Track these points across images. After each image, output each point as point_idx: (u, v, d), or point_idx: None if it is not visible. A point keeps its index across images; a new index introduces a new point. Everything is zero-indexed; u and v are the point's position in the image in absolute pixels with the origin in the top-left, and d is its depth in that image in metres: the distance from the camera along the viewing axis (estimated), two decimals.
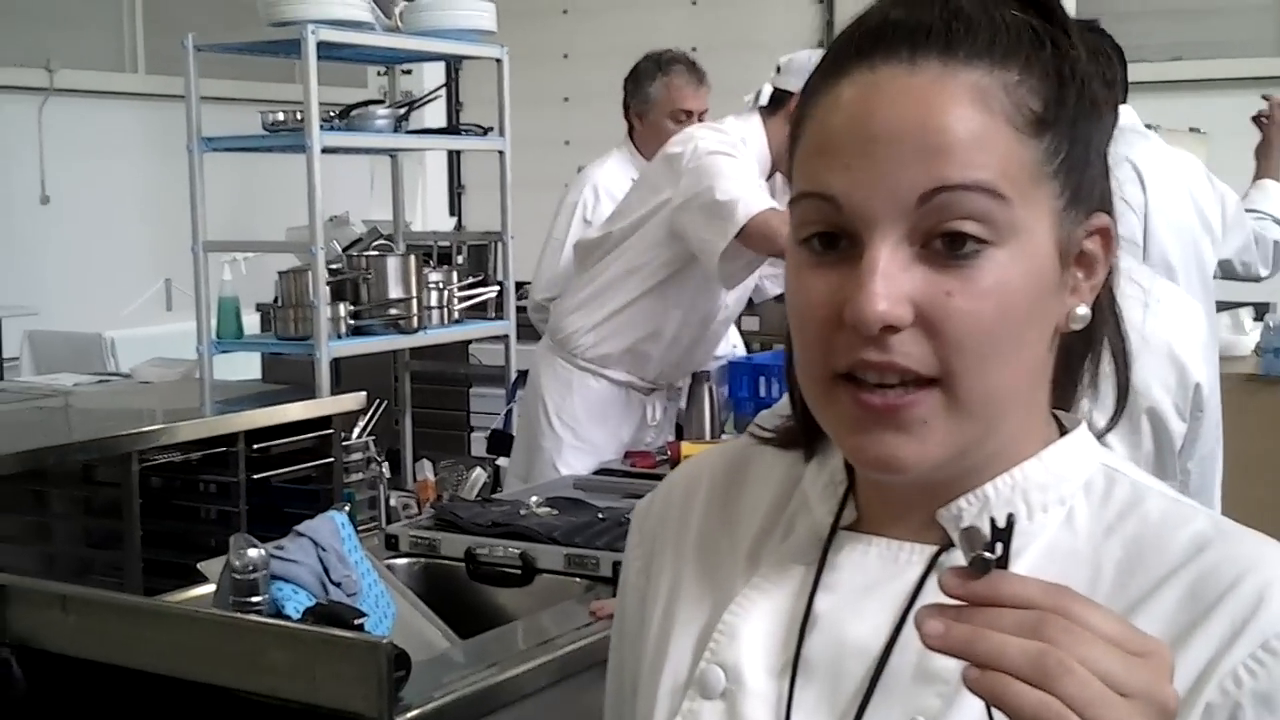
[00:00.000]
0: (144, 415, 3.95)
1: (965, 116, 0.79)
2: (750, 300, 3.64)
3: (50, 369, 5.15)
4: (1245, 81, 5.03)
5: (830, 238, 0.81)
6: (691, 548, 0.97)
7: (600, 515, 2.55)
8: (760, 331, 4.70)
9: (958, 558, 0.71)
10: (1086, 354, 0.90)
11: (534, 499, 2.66)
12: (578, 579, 2.35)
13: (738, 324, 3.97)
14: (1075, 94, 0.82)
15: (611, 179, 3.97)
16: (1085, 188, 0.83)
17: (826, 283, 0.81)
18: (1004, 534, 0.69)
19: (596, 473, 3.21)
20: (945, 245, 0.79)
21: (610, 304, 3.37)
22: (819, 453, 0.93)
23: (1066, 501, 0.86)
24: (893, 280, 0.78)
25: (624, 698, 1.01)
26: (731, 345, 3.91)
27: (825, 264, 0.82)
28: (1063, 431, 0.88)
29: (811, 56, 3.32)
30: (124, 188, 6.60)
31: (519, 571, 2.39)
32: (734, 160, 3.15)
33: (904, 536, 0.87)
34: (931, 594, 0.75)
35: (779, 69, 3.35)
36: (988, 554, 0.68)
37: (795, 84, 3.27)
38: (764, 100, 3.31)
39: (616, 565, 2.30)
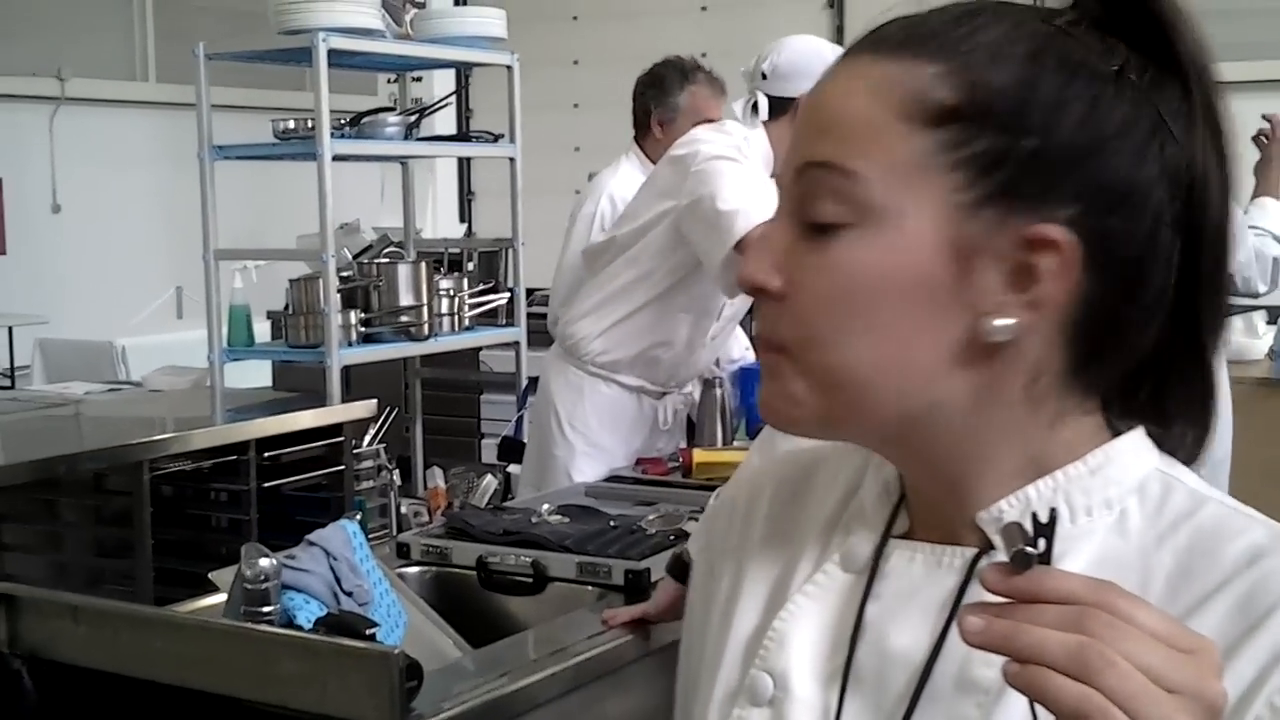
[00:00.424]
0: (155, 424, 3.95)
1: (851, 102, 0.82)
2: None
3: (61, 377, 5.16)
4: (1252, 85, 5.02)
5: None
6: (752, 553, 0.97)
7: (612, 523, 2.54)
8: None
9: (998, 559, 0.70)
10: (1155, 377, 0.85)
11: (545, 507, 2.65)
12: (590, 587, 2.34)
13: (746, 328, 3.96)
14: (1054, 101, 0.79)
15: (625, 187, 3.96)
16: (1026, 190, 0.79)
17: None
18: (1046, 529, 0.68)
19: (608, 480, 3.20)
20: (814, 222, 0.82)
21: (619, 310, 3.36)
22: (876, 459, 0.93)
23: (1115, 506, 0.84)
24: (765, 250, 0.84)
25: (688, 700, 1.01)
26: (744, 348, 3.90)
27: None
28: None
29: (794, 54, 3.25)
30: (135, 196, 6.61)
31: (531, 580, 2.38)
32: (738, 165, 3.13)
33: (945, 540, 0.87)
34: (973, 598, 0.75)
35: (763, 76, 3.26)
36: (1030, 549, 0.67)
37: (793, 87, 3.19)
38: (763, 115, 3.21)
39: (628, 574, 2.29)
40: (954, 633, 0.79)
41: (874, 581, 0.88)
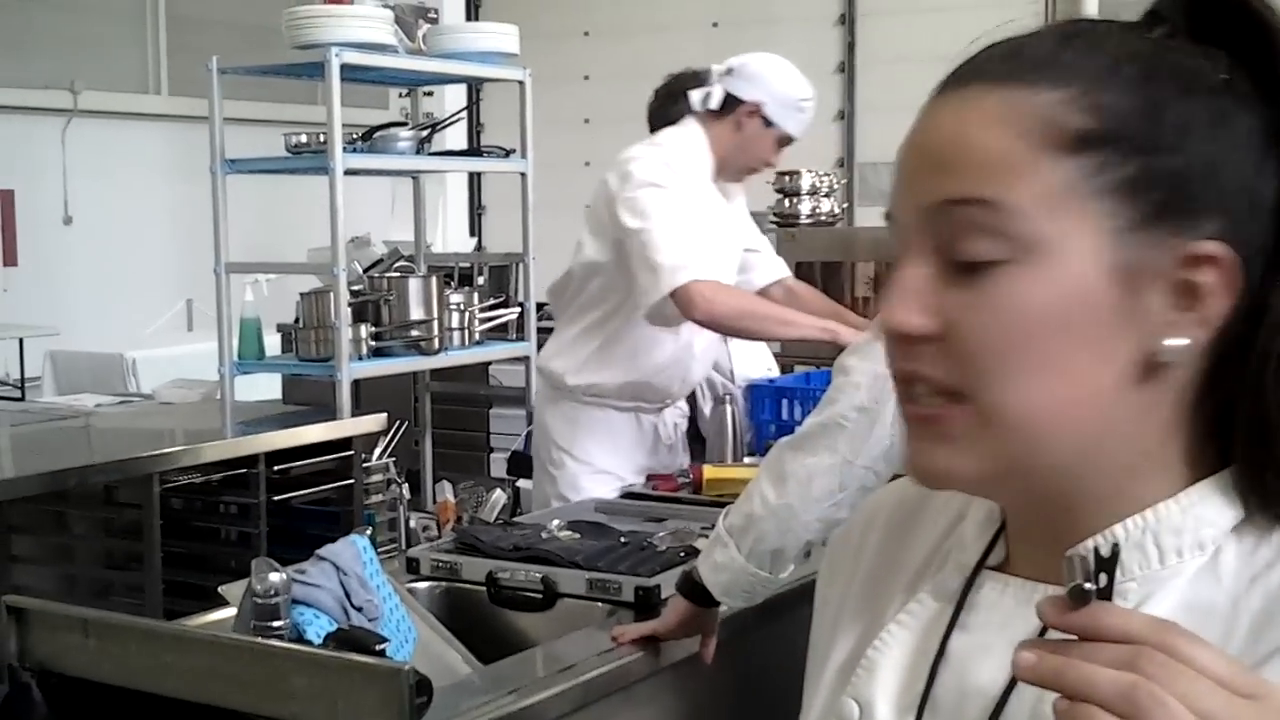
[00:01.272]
0: (165, 436, 3.95)
1: (983, 134, 0.79)
2: None
3: (72, 389, 5.17)
4: None
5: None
6: (860, 580, 0.97)
7: (622, 539, 2.54)
8: (782, 353, 4.68)
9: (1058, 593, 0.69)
10: (1243, 399, 0.82)
11: (555, 522, 2.65)
12: (600, 603, 2.33)
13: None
14: (1180, 115, 0.79)
15: None
16: (1177, 209, 0.78)
17: None
18: (1108, 564, 0.66)
19: (619, 496, 3.19)
20: (965, 260, 0.79)
21: (594, 341, 3.33)
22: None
23: (1207, 547, 0.81)
24: (911, 291, 0.80)
25: None
26: (766, 369, 3.89)
27: None
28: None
29: (769, 65, 3.34)
30: (147, 209, 6.63)
31: (540, 596, 2.38)
32: (665, 194, 3.13)
33: (1040, 576, 0.85)
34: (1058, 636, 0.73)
35: (730, 70, 3.31)
36: (1087, 584, 0.66)
37: (751, 93, 3.28)
38: (714, 104, 3.27)
39: (638, 590, 2.29)
40: None
41: (962, 612, 0.87)
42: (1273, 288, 0.79)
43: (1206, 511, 0.81)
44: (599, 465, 3.34)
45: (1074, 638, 0.66)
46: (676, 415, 3.51)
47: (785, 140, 3.36)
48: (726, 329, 3.27)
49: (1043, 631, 0.79)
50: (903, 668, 0.87)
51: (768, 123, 3.30)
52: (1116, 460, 0.81)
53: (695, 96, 3.32)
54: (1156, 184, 0.78)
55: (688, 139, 3.30)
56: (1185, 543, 0.81)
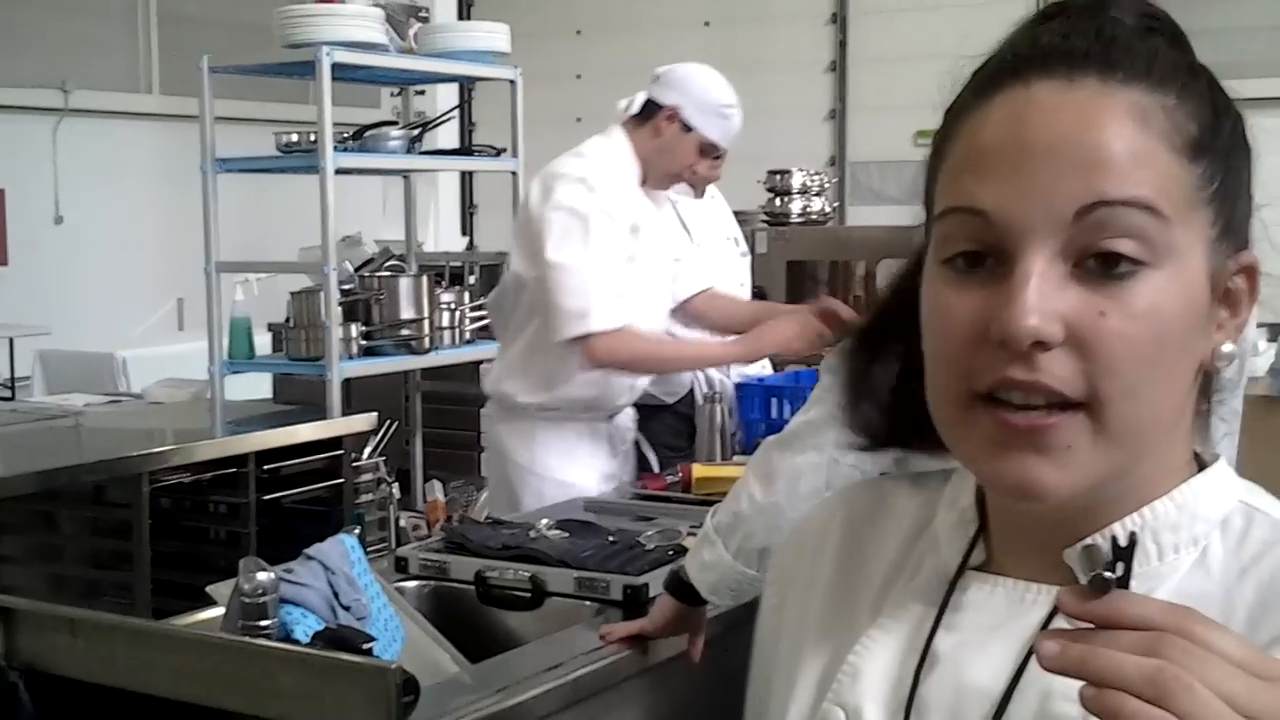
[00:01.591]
0: (154, 436, 3.95)
1: (1124, 133, 0.77)
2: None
3: (62, 388, 5.16)
4: (1267, 102, 5.03)
5: (975, 257, 0.79)
6: (822, 586, 0.96)
7: (611, 538, 2.54)
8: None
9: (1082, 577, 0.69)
10: (1212, 389, 0.87)
11: (544, 521, 2.65)
12: (588, 602, 2.33)
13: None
14: (1231, 126, 0.82)
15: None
16: (1237, 221, 0.82)
17: (971, 301, 0.79)
18: (1125, 553, 0.67)
19: (607, 495, 3.20)
20: (1100, 264, 0.76)
21: (537, 358, 3.29)
22: (949, 491, 0.92)
23: (1200, 541, 0.83)
24: (1045, 295, 0.76)
25: None
26: (760, 365, 3.88)
27: (970, 283, 0.79)
28: (1201, 468, 0.86)
29: (690, 71, 3.34)
30: (137, 208, 6.62)
31: (529, 595, 2.37)
32: (582, 226, 3.13)
33: (1032, 577, 0.85)
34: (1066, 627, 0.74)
35: (656, 78, 3.33)
36: (1107, 573, 0.66)
37: (670, 97, 3.28)
38: (635, 109, 3.29)
39: (627, 589, 2.29)
40: (1033, 667, 0.78)
41: (947, 612, 0.86)
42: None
43: (1199, 508, 0.83)
44: (560, 477, 3.31)
45: (1077, 628, 0.67)
46: (628, 420, 3.51)
47: (709, 148, 3.34)
48: (633, 372, 3.30)
49: (1044, 626, 0.81)
50: (890, 671, 0.87)
51: (686, 127, 3.29)
52: (1159, 459, 0.83)
53: (619, 104, 3.34)
54: (1231, 194, 0.80)
55: (612, 148, 3.31)
56: (1181, 539, 0.82)
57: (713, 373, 3.66)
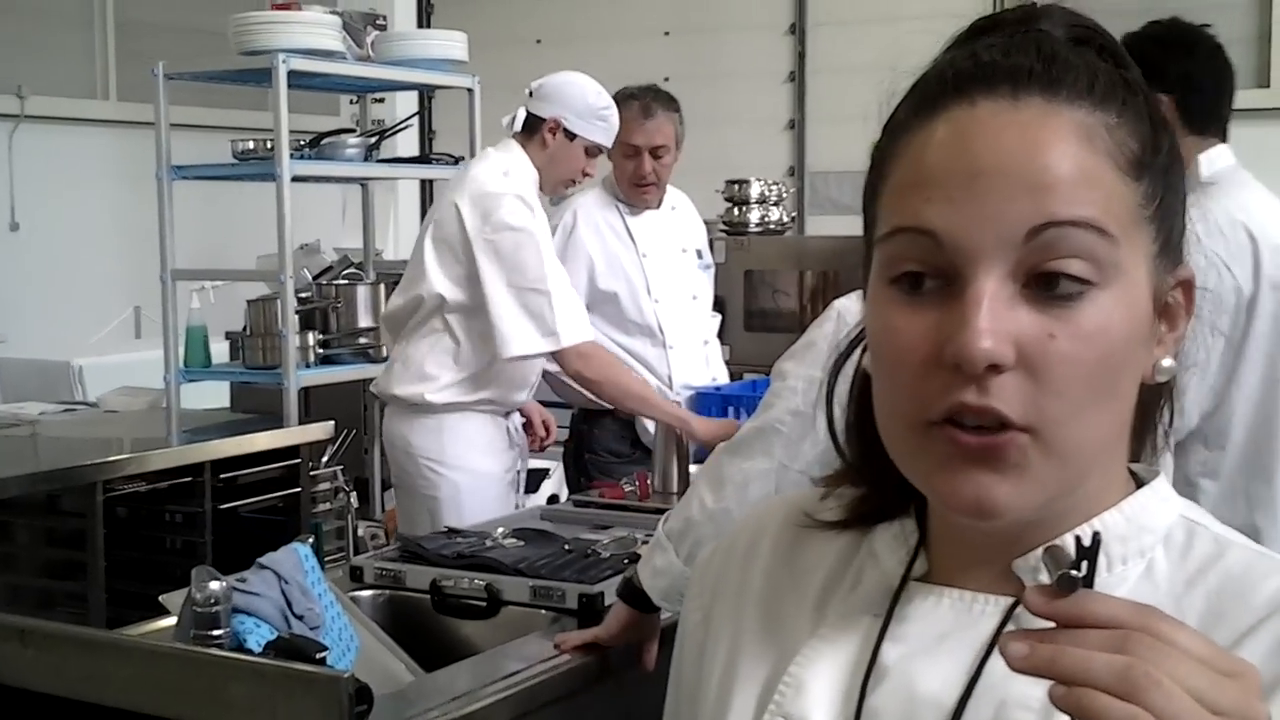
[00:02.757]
0: (110, 445, 3.92)
1: (1071, 153, 0.77)
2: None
3: (18, 397, 5.11)
4: None
5: (920, 277, 0.79)
6: (754, 599, 0.95)
7: (567, 547, 2.54)
8: (731, 361, 4.69)
9: (1030, 619, 0.69)
10: (1161, 406, 0.88)
11: (500, 530, 2.65)
12: (543, 611, 2.34)
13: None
14: (1167, 142, 0.82)
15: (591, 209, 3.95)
16: (1175, 237, 0.83)
17: (921, 323, 0.78)
18: (1090, 552, 0.68)
19: (564, 504, 3.20)
20: (1048, 284, 0.76)
21: (445, 368, 3.36)
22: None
23: (1146, 554, 0.84)
24: (997, 317, 0.76)
25: None
26: (710, 377, 3.91)
27: (918, 304, 0.79)
28: (1140, 483, 0.87)
29: (564, 81, 3.46)
30: (94, 215, 6.58)
31: (484, 604, 2.38)
32: (534, 241, 3.25)
33: (978, 588, 0.85)
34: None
35: (531, 93, 3.47)
36: (1074, 572, 0.67)
37: (549, 110, 3.42)
38: (518, 126, 3.43)
39: (582, 597, 2.30)
40: (987, 676, 0.80)
41: (892, 624, 0.86)
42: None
43: (1145, 520, 0.84)
44: (474, 468, 3.36)
45: (1041, 630, 0.67)
46: (518, 420, 3.57)
47: (594, 149, 3.50)
48: (591, 391, 3.42)
49: (991, 643, 0.81)
50: (835, 682, 0.87)
51: (570, 135, 3.44)
52: (1101, 475, 0.83)
53: (504, 120, 3.48)
54: (1169, 210, 0.81)
55: (514, 160, 3.42)
56: (1130, 550, 0.84)
57: (653, 381, 3.68)
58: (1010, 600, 0.83)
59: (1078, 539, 0.69)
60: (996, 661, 0.72)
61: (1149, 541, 0.84)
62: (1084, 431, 0.78)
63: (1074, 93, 0.79)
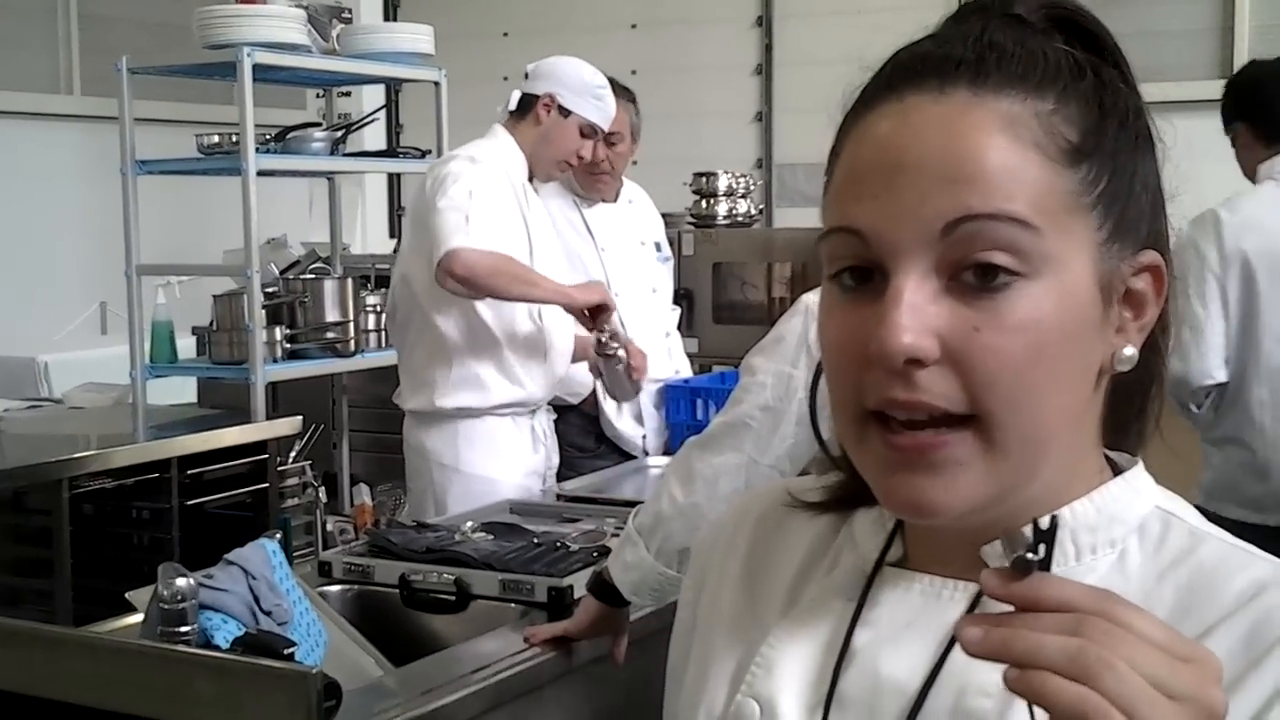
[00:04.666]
0: (76, 441, 3.90)
1: (993, 144, 0.77)
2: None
3: None
4: (1183, 105, 5.11)
5: (862, 272, 0.80)
6: (734, 581, 0.96)
7: (536, 540, 2.54)
8: (700, 354, 4.70)
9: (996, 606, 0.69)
10: (1145, 394, 0.87)
11: (469, 524, 2.65)
12: (513, 605, 2.33)
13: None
14: (1117, 125, 0.81)
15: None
16: (1129, 221, 0.81)
17: (856, 318, 0.79)
18: (1047, 535, 0.67)
19: (532, 497, 3.20)
20: (974, 277, 0.76)
21: (446, 368, 3.33)
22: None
23: (1118, 544, 0.84)
24: (918, 312, 0.76)
25: None
26: (674, 370, 3.91)
27: (855, 300, 0.80)
28: (1116, 472, 0.86)
29: (560, 60, 3.48)
30: (59, 210, 6.52)
31: (453, 598, 2.38)
32: (463, 177, 3.23)
33: (949, 574, 0.85)
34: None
35: (527, 75, 3.48)
36: (1030, 555, 0.67)
37: (544, 86, 3.43)
38: (513, 105, 3.42)
39: (551, 591, 2.30)
40: (950, 664, 0.80)
41: (865, 608, 0.87)
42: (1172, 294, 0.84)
43: (1118, 510, 0.84)
44: (488, 473, 3.32)
45: (998, 614, 0.67)
46: (546, 417, 3.52)
47: (589, 130, 3.46)
48: (481, 286, 3.23)
49: (969, 615, 0.80)
50: (806, 665, 0.87)
51: (564, 111, 3.42)
52: (1063, 466, 0.82)
53: (498, 108, 3.46)
54: (1120, 196, 0.80)
55: (498, 147, 3.41)
56: (1099, 540, 0.83)
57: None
58: (977, 588, 0.82)
59: (1034, 522, 0.68)
60: (960, 651, 0.73)
61: (1120, 532, 0.84)
62: (1025, 422, 0.78)
63: (1002, 81, 0.79)
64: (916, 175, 0.77)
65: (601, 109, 3.48)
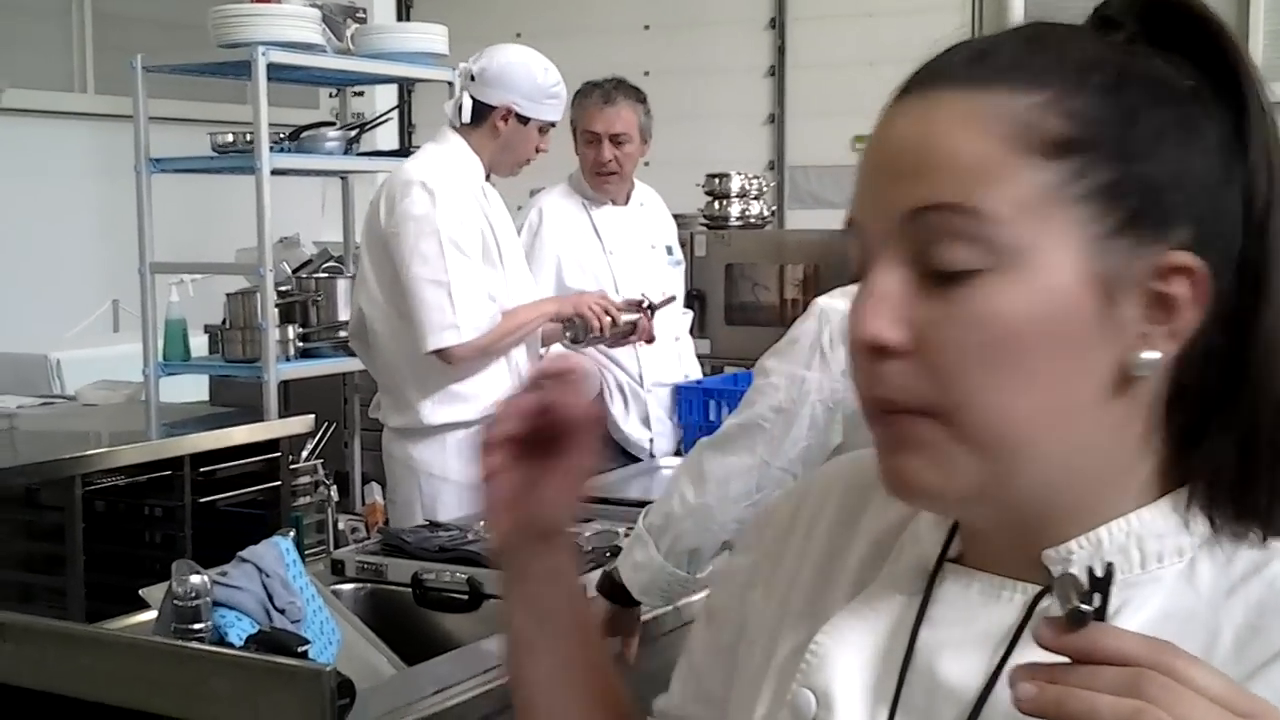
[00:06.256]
0: (88, 438, 3.92)
1: (955, 137, 0.77)
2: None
3: None
4: None
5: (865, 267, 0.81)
6: (811, 562, 0.94)
7: None
8: (711, 355, 4.71)
9: (1054, 613, 0.68)
10: (1221, 409, 0.80)
11: (482, 523, 2.65)
12: None
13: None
14: (1146, 116, 0.78)
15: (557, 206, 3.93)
16: (1149, 217, 0.77)
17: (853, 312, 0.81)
18: (1103, 584, 0.66)
19: None
20: (940, 270, 0.76)
21: (424, 384, 3.28)
22: None
23: (1185, 553, 0.80)
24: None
25: (707, 663, 1.01)
26: (684, 374, 3.90)
27: (858, 294, 0.81)
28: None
29: (509, 62, 3.34)
30: (72, 208, 6.54)
31: (466, 597, 2.38)
32: (433, 230, 3.15)
33: (1008, 573, 0.83)
34: (1030, 638, 0.71)
35: (473, 77, 3.34)
36: (1084, 606, 0.65)
37: (498, 96, 3.30)
38: (466, 117, 3.31)
39: None
40: (1007, 671, 0.76)
41: (928, 605, 0.85)
42: (1254, 304, 0.79)
43: (1169, 525, 0.80)
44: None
45: (1065, 661, 0.66)
46: None
47: (547, 127, 3.41)
48: (478, 368, 3.26)
49: (1016, 634, 0.79)
50: (863, 660, 0.85)
51: (524, 120, 3.34)
52: (1093, 474, 0.80)
53: (447, 109, 3.36)
54: (1131, 191, 0.77)
55: (453, 157, 3.32)
56: (1167, 547, 0.80)
57: (623, 378, 3.68)
58: (1037, 589, 0.81)
59: (1090, 571, 0.67)
60: (1017, 656, 0.72)
61: (1189, 541, 0.80)
62: (990, 419, 0.76)
63: (991, 76, 0.78)
64: (886, 169, 0.80)
65: (558, 105, 3.41)
